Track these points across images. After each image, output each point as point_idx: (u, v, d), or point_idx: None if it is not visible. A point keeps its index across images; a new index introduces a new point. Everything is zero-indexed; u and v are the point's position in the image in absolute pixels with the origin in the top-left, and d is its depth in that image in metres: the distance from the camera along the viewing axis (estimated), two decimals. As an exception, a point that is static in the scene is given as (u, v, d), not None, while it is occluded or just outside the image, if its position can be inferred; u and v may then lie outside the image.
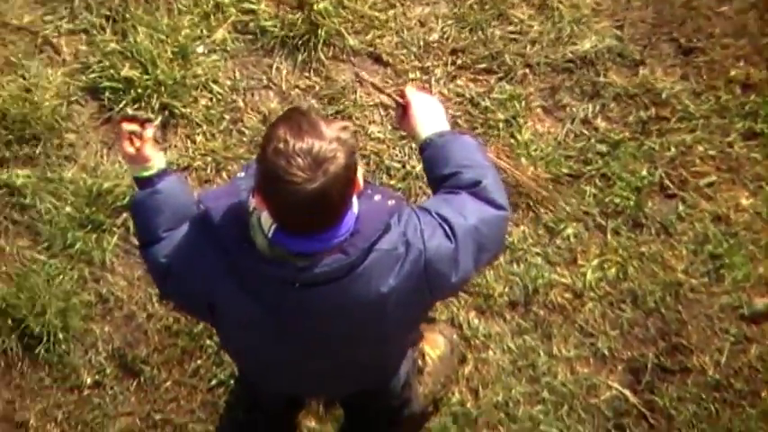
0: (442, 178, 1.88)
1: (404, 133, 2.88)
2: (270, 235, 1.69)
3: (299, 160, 1.58)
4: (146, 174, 1.97)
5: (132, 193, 1.99)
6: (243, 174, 1.85)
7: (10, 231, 3.12)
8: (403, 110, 2.10)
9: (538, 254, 3.03)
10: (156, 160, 1.99)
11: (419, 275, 1.73)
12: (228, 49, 3.16)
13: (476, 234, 1.78)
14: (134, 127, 2.07)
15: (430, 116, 2.00)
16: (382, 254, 1.69)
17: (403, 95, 2.13)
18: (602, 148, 3.08)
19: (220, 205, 1.73)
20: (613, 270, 3.01)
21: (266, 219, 1.71)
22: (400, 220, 1.73)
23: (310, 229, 1.66)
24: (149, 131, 2.06)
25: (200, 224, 1.81)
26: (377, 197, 1.75)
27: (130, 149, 1.99)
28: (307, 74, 3.15)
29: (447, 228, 1.77)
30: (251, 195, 1.73)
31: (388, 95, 2.33)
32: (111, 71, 3.17)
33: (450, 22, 3.13)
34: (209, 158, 3.16)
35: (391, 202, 1.72)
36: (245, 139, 3.15)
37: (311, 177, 1.59)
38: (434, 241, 1.75)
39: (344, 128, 1.66)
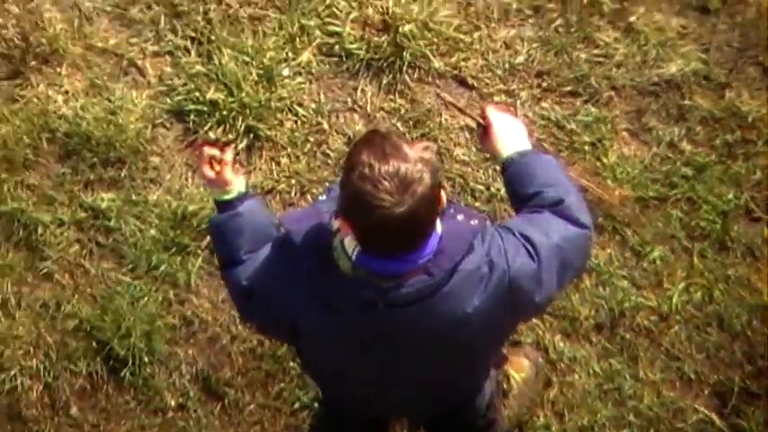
0: (524, 197, 2.01)
1: (488, 155, 3.21)
2: (354, 257, 1.79)
3: (386, 184, 1.68)
4: (226, 197, 2.11)
5: (212, 215, 2.20)
6: (324, 197, 1.98)
7: (95, 254, 3.46)
8: (484, 130, 2.26)
9: (624, 277, 3.35)
10: (237, 184, 2.12)
11: (503, 295, 1.83)
12: (313, 71, 3.51)
13: (559, 253, 1.88)
14: (214, 151, 2.23)
15: (511, 135, 2.15)
16: (466, 274, 1.79)
17: (484, 115, 2.29)
18: (688, 171, 3.41)
19: (302, 227, 1.83)
20: (699, 293, 3.32)
21: (350, 242, 1.81)
22: (483, 240, 1.83)
23: (396, 251, 1.76)
24: (229, 155, 2.20)
25: (282, 246, 1.92)
26: (459, 217, 1.84)
27: (210, 173, 2.14)
28: (392, 96, 3.49)
29: (530, 247, 1.88)
30: (333, 218, 1.84)
31: (469, 115, 2.60)
32: (196, 93, 3.52)
33: (535, 44, 3.47)
34: (294, 181, 3.50)
35: (474, 222, 1.82)
36: (329, 161, 3.48)
37: (399, 201, 1.69)
38: (518, 261, 1.85)
39: (426, 147, 1.77)
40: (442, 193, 1.81)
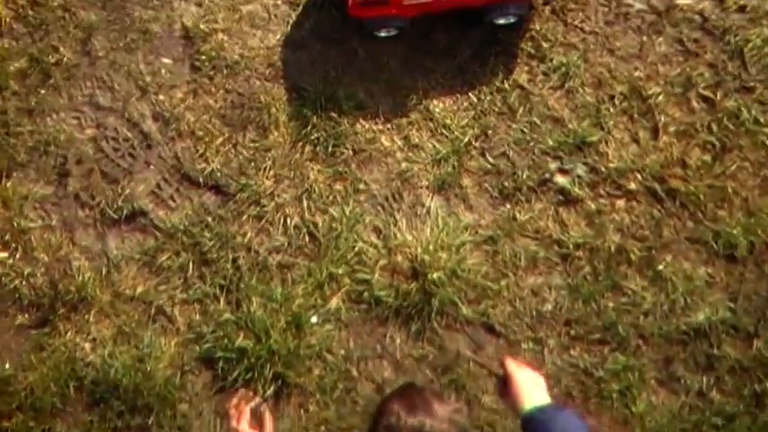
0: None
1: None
2: None
3: None
4: None
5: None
6: None
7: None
8: (504, 383, 3.20)
9: None
10: None
11: None
12: (342, 318, 5.12)
13: None
14: (237, 403, 3.74)
15: (530, 389, 2.92)
16: None
17: (503, 368, 3.22)
18: (718, 421, 4.92)
19: None
20: None
21: None
22: None
23: None
24: (248, 410, 3.64)
25: None
26: None
27: (234, 425, 3.32)
28: (420, 343, 5.09)
29: None
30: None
31: (488, 370, 4.02)
32: (225, 341, 5.13)
33: (563, 292, 5.10)
34: (323, 428, 5.04)
35: None
36: (358, 408, 5.03)
37: None
38: None
39: (458, 410, 2.39)
40: None
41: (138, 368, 4.94)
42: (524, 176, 5.06)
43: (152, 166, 5.17)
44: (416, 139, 5.09)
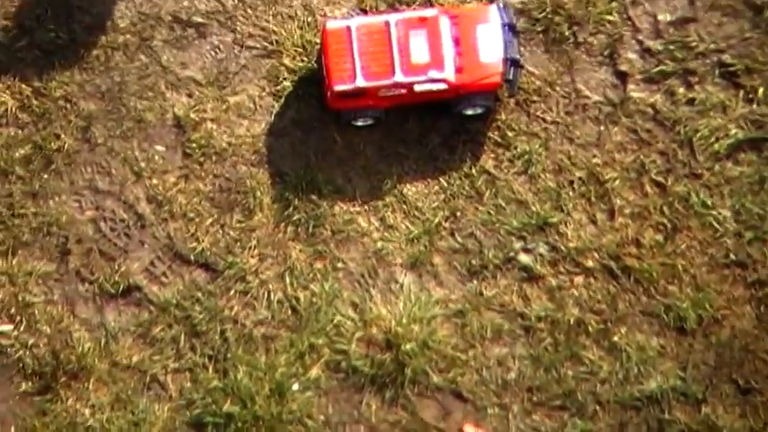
0: None
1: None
2: None
3: None
4: None
5: None
6: None
7: None
8: None
9: None
10: None
11: None
12: (322, 385, 6.74)
13: None
14: None
15: None
16: None
17: None
18: (670, 480, 6.52)
19: None
20: None
21: None
22: None
23: None
24: None
25: None
26: None
27: None
28: (394, 408, 6.70)
29: None
30: None
31: None
32: (214, 407, 6.75)
33: (526, 362, 6.72)
34: (303, 489, 6.65)
35: None
36: (336, 470, 6.65)
37: None
38: None
39: None
40: None
41: (133, 432, 6.57)
42: (490, 255, 6.70)
43: (146, 245, 6.83)
44: (391, 221, 6.74)
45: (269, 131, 6.62)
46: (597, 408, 6.48)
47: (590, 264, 6.35)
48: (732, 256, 6.58)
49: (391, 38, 6.58)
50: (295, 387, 6.55)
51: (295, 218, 6.46)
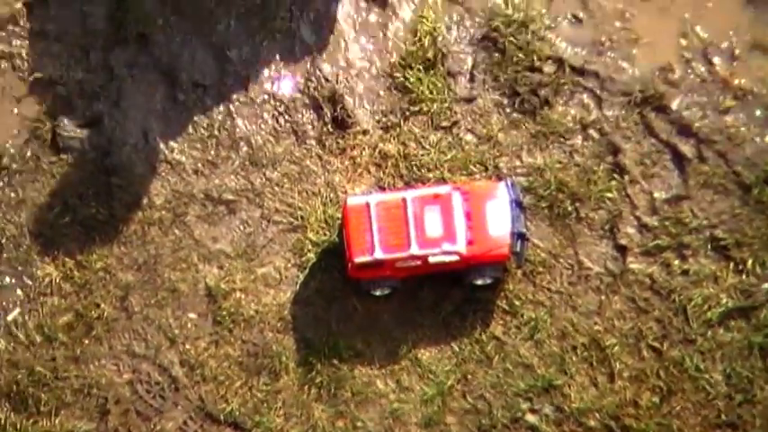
0: None
1: None
2: None
3: None
4: None
5: None
6: None
7: None
8: None
9: None
10: None
11: None
12: None
13: None
14: None
15: None
16: None
17: None
18: None
19: None
20: None
21: None
22: None
23: None
24: None
25: None
26: None
27: None
28: None
29: None
30: None
31: None
32: None
33: None
34: None
35: None
36: None
37: None
38: None
39: None
40: None
41: None
42: (499, 415, 8.30)
43: (179, 406, 8.46)
44: (407, 383, 8.37)
45: (294, 300, 8.30)
46: None
47: (592, 423, 7.97)
48: (724, 417, 8.20)
49: (408, 213, 8.22)
50: None
51: (318, 380, 8.11)
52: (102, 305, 8.84)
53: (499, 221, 8.50)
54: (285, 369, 8.52)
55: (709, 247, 8.49)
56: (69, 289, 8.91)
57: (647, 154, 8.70)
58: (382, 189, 8.68)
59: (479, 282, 8.65)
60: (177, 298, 8.81)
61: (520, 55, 8.80)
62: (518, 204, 8.57)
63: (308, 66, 8.95)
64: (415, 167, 8.68)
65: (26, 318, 8.82)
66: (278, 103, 8.95)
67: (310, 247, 8.60)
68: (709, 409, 8.29)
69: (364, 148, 8.72)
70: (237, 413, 8.48)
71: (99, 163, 8.83)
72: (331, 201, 8.72)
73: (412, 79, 8.79)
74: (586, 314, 8.51)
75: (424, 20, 8.90)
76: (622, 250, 8.55)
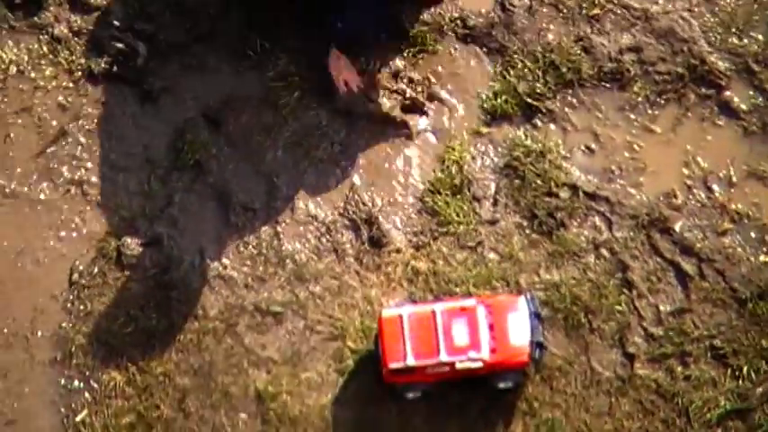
0: None
1: None
2: None
3: None
4: None
5: None
6: None
7: None
8: None
9: None
10: None
11: None
12: None
13: None
14: None
15: None
16: None
17: None
18: None
19: None
20: None
21: None
22: None
23: None
24: None
25: None
26: None
27: None
28: None
29: None
30: None
31: None
32: None
33: None
34: None
35: None
36: None
37: None
38: None
39: None
40: None
41: None
42: (519, 502, 9.13)
43: (231, 499, 9.33)
44: (435, 457, 9.14)
45: (334, 402, 9.19)
46: None
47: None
48: None
49: (437, 324, 8.90)
50: None
51: (357, 470, 8.93)
52: (162, 407, 9.68)
53: (520, 332, 9.16)
54: (326, 463, 9.36)
55: (708, 354, 9.22)
56: (132, 392, 9.76)
57: (653, 271, 9.43)
58: (414, 302, 9.39)
59: (502, 385, 9.35)
60: (229, 400, 9.65)
61: (538, 182, 9.62)
62: (537, 316, 9.22)
63: (347, 191, 9.73)
64: (443, 282, 9.42)
65: (93, 418, 9.56)
66: (320, 225, 9.71)
67: (349, 354, 9.38)
68: (707, 501, 9.04)
69: (398, 265, 9.48)
70: (283, 503, 9.32)
71: (159, 278, 9.61)
72: (368, 312, 9.49)
73: (440, 203, 9.59)
74: (598, 415, 9.33)
75: (452, 150, 9.71)
76: (631, 357, 9.28)
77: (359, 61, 9.84)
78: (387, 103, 10.07)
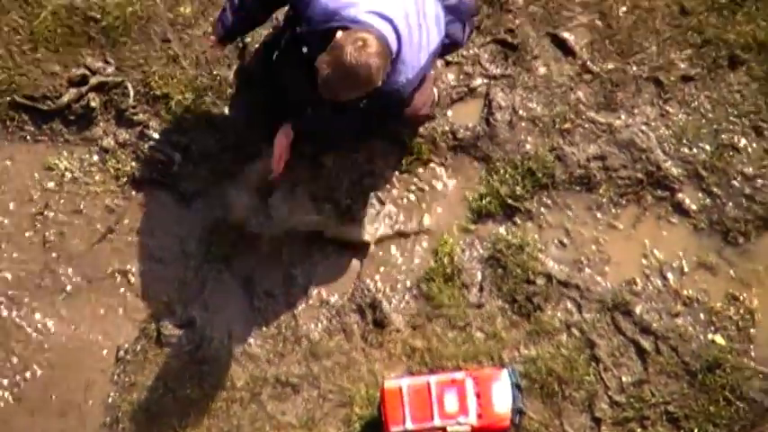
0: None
1: None
2: None
3: None
4: None
5: None
6: None
7: None
8: None
9: None
10: None
11: None
12: None
13: None
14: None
15: None
16: None
17: None
18: None
19: None
20: None
21: None
22: None
23: None
24: None
25: None
26: None
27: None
28: None
29: None
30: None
31: None
32: None
33: None
34: None
35: None
36: None
37: None
38: None
39: None
40: None
41: None
42: None
43: None
44: None
45: (352, 458, 10.06)
46: None
47: None
48: None
49: (431, 393, 9.86)
50: None
51: None
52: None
53: (502, 400, 10.18)
54: None
55: (664, 418, 10.27)
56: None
57: (616, 348, 10.44)
58: (412, 374, 10.33)
59: (481, 451, 10.22)
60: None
61: (518, 271, 10.58)
62: (517, 386, 10.24)
63: (355, 280, 10.72)
64: (437, 358, 10.41)
65: (138, 475, 10.47)
66: (331, 308, 10.69)
67: (356, 419, 10.39)
68: None
69: (398, 343, 10.46)
70: None
71: (193, 355, 10.57)
72: (372, 383, 10.44)
73: (434, 290, 10.56)
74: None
75: (444, 244, 10.64)
76: (598, 421, 10.32)
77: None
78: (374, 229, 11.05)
